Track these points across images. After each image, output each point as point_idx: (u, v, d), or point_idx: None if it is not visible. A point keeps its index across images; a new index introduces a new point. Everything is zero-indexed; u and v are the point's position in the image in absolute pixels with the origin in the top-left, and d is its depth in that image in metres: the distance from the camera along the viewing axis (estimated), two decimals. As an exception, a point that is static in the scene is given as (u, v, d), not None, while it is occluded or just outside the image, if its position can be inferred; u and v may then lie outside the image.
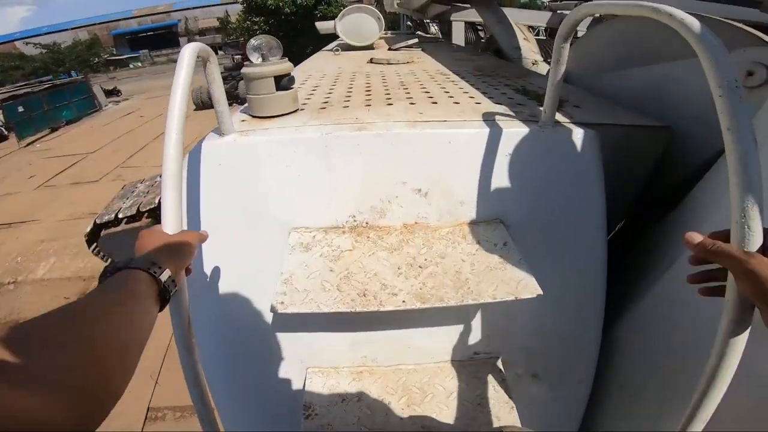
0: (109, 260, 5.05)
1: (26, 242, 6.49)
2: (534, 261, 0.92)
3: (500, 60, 2.24)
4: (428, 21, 5.70)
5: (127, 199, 5.17)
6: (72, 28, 46.09)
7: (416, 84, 1.46)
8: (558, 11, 4.33)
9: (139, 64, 42.84)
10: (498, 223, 1.00)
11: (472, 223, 1.01)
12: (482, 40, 3.74)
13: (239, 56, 19.58)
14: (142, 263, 0.54)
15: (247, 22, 16.72)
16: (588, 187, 0.99)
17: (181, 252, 0.63)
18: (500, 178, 0.98)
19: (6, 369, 0.32)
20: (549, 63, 2.27)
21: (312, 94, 1.38)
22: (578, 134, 0.97)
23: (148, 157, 10.43)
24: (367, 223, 1.00)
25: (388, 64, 1.95)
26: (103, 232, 4.84)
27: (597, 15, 1.95)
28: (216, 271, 1.00)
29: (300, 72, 1.91)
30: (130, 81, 28.55)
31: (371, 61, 2.06)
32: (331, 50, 2.81)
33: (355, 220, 0.99)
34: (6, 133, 13.30)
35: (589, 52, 1.56)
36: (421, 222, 1.00)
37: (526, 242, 0.98)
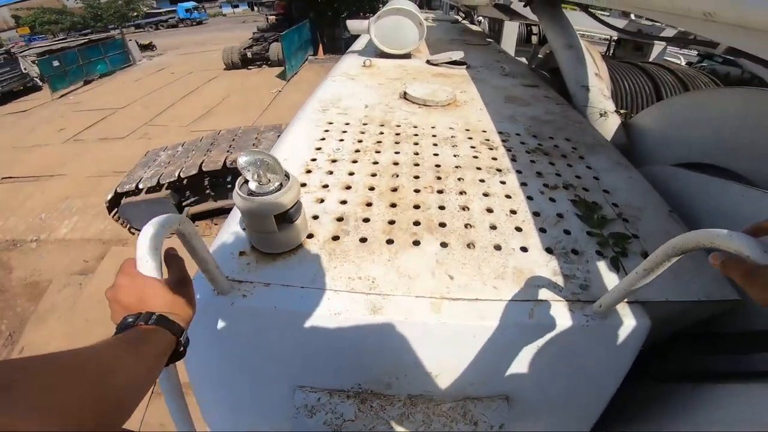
0: (128, 226, 5.17)
1: (51, 198, 6.61)
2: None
3: (560, 105, 1.86)
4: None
5: (149, 168, 5.21)
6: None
7: (453, 173, 1.20)
8: (634, 18, 3.76)
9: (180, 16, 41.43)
10: (502, 401, 0.87)
11: (476, 399, 0.88)
12: (536, 46, 3.30)
13: (273, 16, 18.98)
14: (165, 323, 0.55)
15: None
16: (613, 371, 0.87)
17: (191, 306, 0.62)
18: (518, 359, 0.82)
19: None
20: (621, 115, 1.94)
21: (328, 174, 1.17)
22: (629, 326, 0.78)
23: (174, 116, 10.48)
24: (371, 391, 0.86)
25: (425, 105, 1.69)
26: (124, 200, 4.92)
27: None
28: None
29: (318, 104, 1.67)
30: (166, 36, 28.33)
31: (405, 96, 1.78)
32: (362, 55, 2.53)
33: (360, 387, 0.86)
34: (40, 84, 13.47)
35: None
36: (426, 395, 0.87)
37: (529, 420, 0.88)
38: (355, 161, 1.24)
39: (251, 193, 0.75)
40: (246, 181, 0.76)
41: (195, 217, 5.45)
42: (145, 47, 20.41)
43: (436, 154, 1.29)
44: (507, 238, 0.96)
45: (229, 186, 5.22)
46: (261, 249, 0.86)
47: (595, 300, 0.79)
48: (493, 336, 0.78)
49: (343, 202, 1.06)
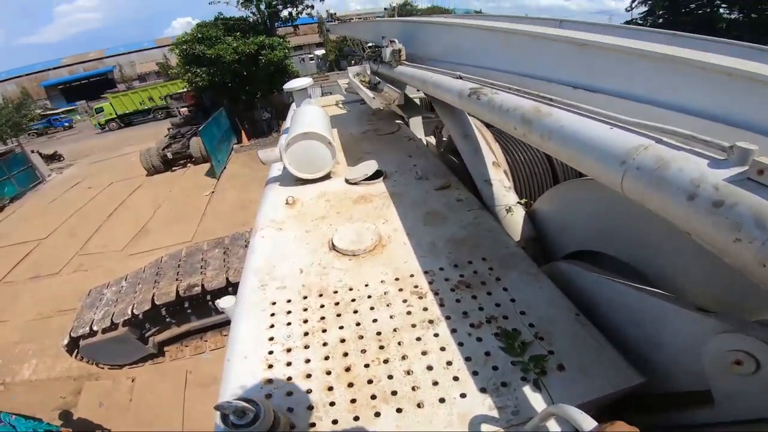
0: (95, 363, 5.09)
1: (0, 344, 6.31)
2: None
3: (472, 211, 2.04)
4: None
5: (97, 309, 5.05)
6: (-1, 81, 43.52)
7: (393, 338, 1.33)
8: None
9: (78, 117, 40.44)
10: None
11: None
12: (438, 132, 3.66)
13: (185, 108, 18.99)
14: None
15: (188, 74, 15.97)
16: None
17: None
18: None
19: None
20: (523, 205, 2.18)
21: (288, 366, 1.23)
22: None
23: (106, 240, 9.89)
24: None
25: (354, 255, 1.81)
26: (83, 342, 4.80)
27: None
28: None
29: (255, 279, 1.71)
30: (70, 140, 27.12)
31: (334, 247, 1.88)
32: (282, 184, 2.64)
33: None
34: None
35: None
36: None
37: None
38: (307, 346, 1.34)
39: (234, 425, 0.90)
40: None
41: (163, 344, 5.25)
42: (51, 158, 19.28)
43: (375, 320, 1.42)
44: (448, 390, 1.14)
45: (189, 311, 5.10)
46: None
47: (527, 420, 0.99)
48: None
49: (309, 391, 1.19)
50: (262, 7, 19.22)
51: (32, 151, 16.95)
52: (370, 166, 2.51)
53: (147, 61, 47.86)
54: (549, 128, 0.99)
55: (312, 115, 2.82)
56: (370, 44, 3.67)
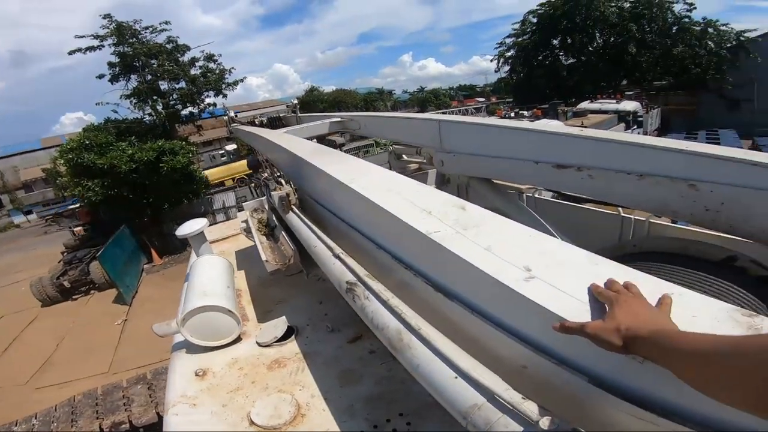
0: None
1: None
2: None
3: (384, 363, 1.98)
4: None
5: None
6: None
7: None
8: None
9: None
10: None
11: None
12: None
13: (80, 227, 17.09)
14: None
15: (78, 188, 14.36)
16: None
17: None
18: None
19: None
20: None
21: None
22: None
23: (5, 374, 8.53)
24: None
25: (275, 430, 1.67)
26: None
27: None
28: None
29: None
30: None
31: (253, 423, 1.73)
32: (189, 351, 2.40)
33: None
34: None
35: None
36: None
37: None
38: None
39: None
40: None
41: None
42: None
43: None
44: None
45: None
46: None
47: None
48: None
49: None
50: (159, 107, 18.58)
51: None
52: (279, 326, 2.41)
53: (32, 165, 41.79)
54: (411, 364, 1.03)
55: (209, 274, 2.68)
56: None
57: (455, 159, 2.90)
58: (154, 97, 18.29)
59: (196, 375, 2.21)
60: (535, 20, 30.19)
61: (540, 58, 31.15)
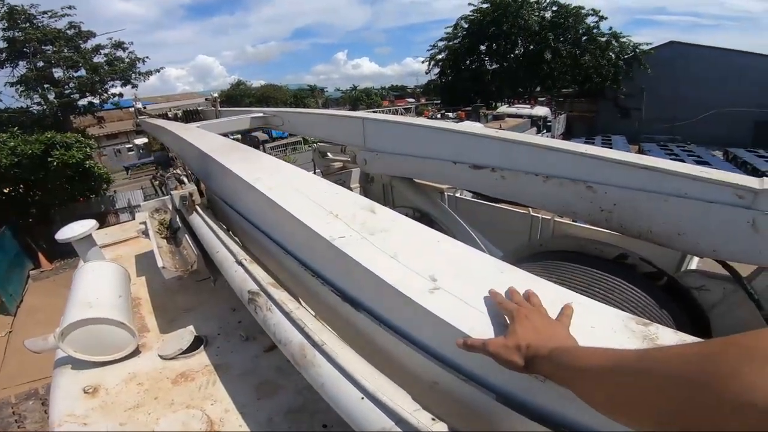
0: None
1: None
2: None
3: None
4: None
5: None
6: None
7: None
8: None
9: None
10: None
11: None
12: None
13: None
14: None
15: None
16: None
17: None
18: None
19: None
20: None
21: None
22: None
23: None
24: None
25: None
26: None
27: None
28: None
29: None
30: None
31: None
32: (75, 367, 2.04)
33: None
34: None
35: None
36: None
37: None
38: None
39: None
40: None
41: None
42: None
43: None
44: None
45: None
46: None
47: None
48: None
49: None
50: (51, 96, 16.55)
51: None
52: (185, 337, 2.14)
53: None
54: (315, 382, 0.93)
55: (97, 283, 2.30)
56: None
57: (378, 158, 2.84)
58: (46, 86, 16.27)
59: (85, 392, 1.88)
60: (466, 25, 31.67)
61: (467, 62, 32.82)
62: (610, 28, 28.85)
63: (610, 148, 2.16)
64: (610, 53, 28.09)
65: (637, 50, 27.48)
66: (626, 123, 27.64)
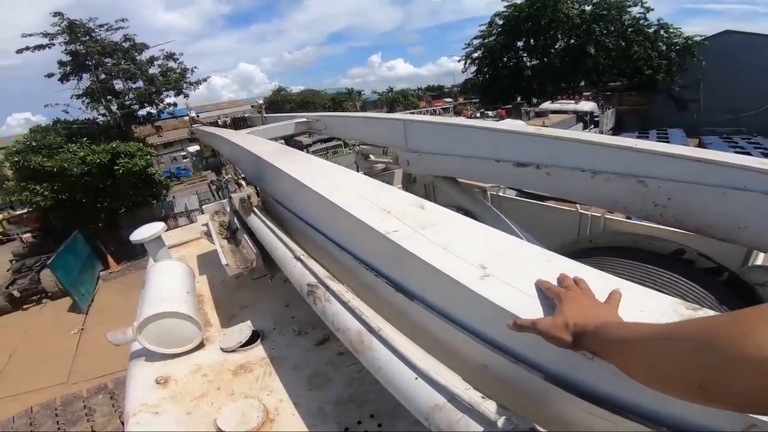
0: None
1: None
2: None
3: (353, 365, 1.97)
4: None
5: None
6: None
7: None
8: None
9: None
10: None
11: None
12: None
13: (29, 233, 15.98)
14: None
15: (26, 193, 13.41)
16: None
17: None
18: None
19: None
20: None
21: None
22: None
23: None
24: None
25: None
26: None
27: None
28: None
29: None
30: None
31: (220, 430, 1.69)
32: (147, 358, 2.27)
33: None
34: None
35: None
36: None
37: None
38: None
39: None
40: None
41: None
42: None
43: None
44: None
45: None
46: None
47: None
48: None
49: None
50: (114, 107, 17.50)
51: None
52: (244, 331, 2.32)
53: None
54: (372, 366, 1.01)
55: (167, 279, 2.55)
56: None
57: (420, 158, 2.90)
58: (108, 97, 17.24)
59: (157, 383, 2.10)
60: (501, 22, 30.94)
61: (505, 59, 32.00)
62: (659, 19, 27.10)
63: (667, 141, 2.09)
64: (660, 44, 26.34)
65: (690, 42, 25.68)
66: (683, 116, 25.79)
